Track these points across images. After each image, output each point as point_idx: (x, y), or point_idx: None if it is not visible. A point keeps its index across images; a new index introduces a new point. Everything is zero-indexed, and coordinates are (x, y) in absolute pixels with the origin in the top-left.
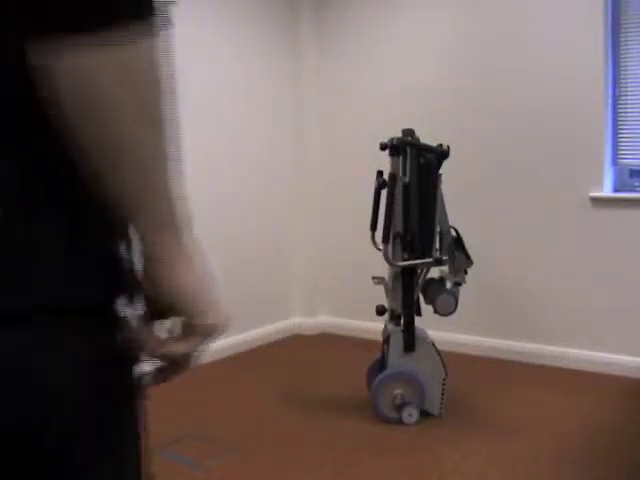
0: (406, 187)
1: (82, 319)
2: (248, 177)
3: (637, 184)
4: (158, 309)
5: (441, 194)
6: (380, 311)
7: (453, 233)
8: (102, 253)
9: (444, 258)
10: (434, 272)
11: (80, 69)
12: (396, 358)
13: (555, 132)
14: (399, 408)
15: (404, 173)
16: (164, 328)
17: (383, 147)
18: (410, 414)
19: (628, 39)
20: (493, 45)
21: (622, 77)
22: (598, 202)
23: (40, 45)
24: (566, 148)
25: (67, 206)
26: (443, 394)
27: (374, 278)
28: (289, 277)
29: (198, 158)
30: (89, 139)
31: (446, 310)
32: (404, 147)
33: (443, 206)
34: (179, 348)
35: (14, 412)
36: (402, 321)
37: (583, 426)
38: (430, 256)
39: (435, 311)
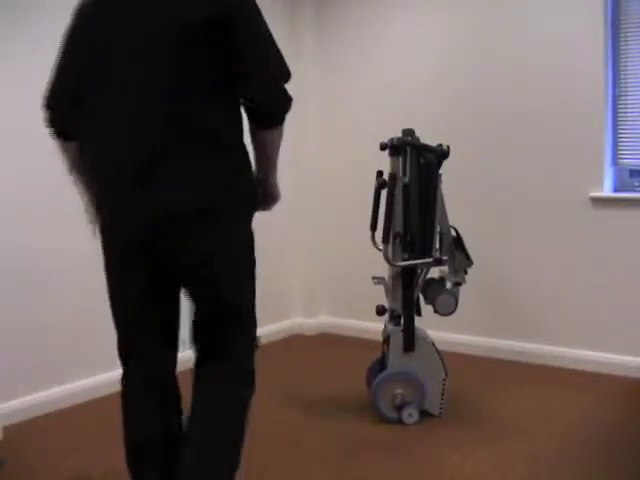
0: (406, 187)
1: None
2: None
3: (637, 184)
4: (270, 200)
5: (441, 194)
6: (380, 311)
7: (453, 233)
8: (254, 188)
9: (444, 258)
10: (434, 272)
11: (271, 134)
12: (396, 358)
13: (555, 132)
14: (399, 408)
15: (404, 173)
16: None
17: (383, 147)
18: (410, 414)
19: (628, 39)
20: (493, 45)
21: (622, 77)
22: (598, 202)
23: (261, 128)
24: (566, 148)
25: (244, 170)
26: (443, 394)
27: (374, 278)
28: (289, 277)
29: None
30: (269, 152)
31: (446, 310)
32: (404, 147)
33: (443, 206)
34: (272, 205)
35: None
36: (402, 321)
37: (583, 426)
38: (430, 256)
39: (435, 311)
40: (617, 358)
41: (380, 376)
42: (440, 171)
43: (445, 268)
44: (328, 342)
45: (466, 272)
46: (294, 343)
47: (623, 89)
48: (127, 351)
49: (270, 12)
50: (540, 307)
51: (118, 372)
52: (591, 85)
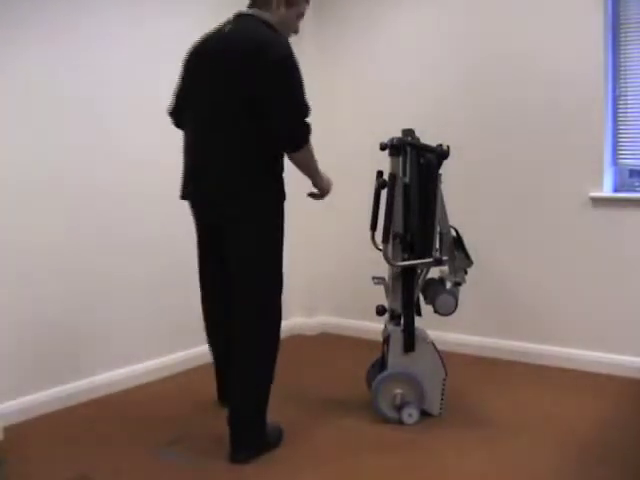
0: (406, 187)
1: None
2: None
3: (637, 184)
4: (322, 192)
5: (441, 194)
6: (380, 311)
7: (453, 233)
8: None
9: (444, 258)
10: (434, 272)
11: (299, 156)
12: (396, 358)
13: (555, 132)
14: (399, 408)
15: (404, 173)
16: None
17: (383, 147)
18: (410, 414)
19: (628, 39)
20: (493, 45)
21: (622, 77)
22: (598, 202)
23: (291, 152)
24: (566, 148)
25: (275, 175)
26: (443, 394)
27: (374, 278)
28: (289, 277)
29: None
30: (302, 169)
31: (446, 310)
32: (404, 147)
33: (443, 206)
34: (325, 195)
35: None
36: (402, 321)
37: (583, 426)
38: (430, 256)
39: (435, 311)
40: (617, 358)
41: (380, 376)
42: (440, 171)
43: (445, 268)
44: (328, 342)
45: (466, 272)
46: (294, 343)
47: (623, 89)
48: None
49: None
50: (540, 307)
51: (118, 372)
52: (591, 85)
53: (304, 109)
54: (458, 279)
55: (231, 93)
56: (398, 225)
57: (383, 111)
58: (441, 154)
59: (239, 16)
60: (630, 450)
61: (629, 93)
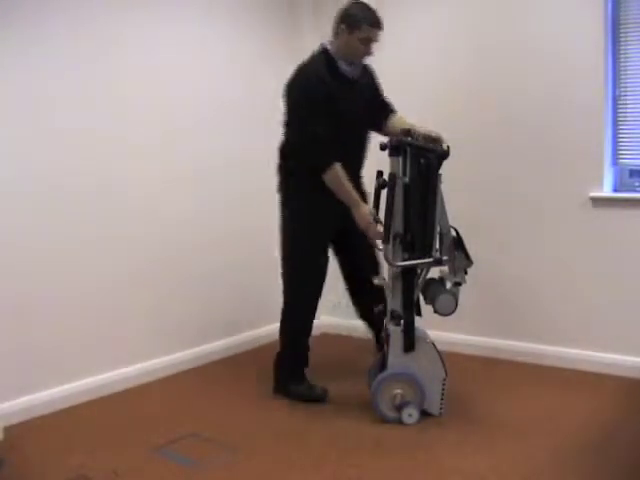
0: (406, 187)
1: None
2: (248, 177)
3: (637, 184)
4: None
5: (441, 194)
6: (380, 312)
7: (453, 233)
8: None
9: (444, 258)
10: (434, 272)
11: (327, 177)
12: (396, 358)
13: (555, 132)
14: (399, 408)
15: (404, 173)
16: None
17: (383, 147)
18: (410, 414)
19: (628, 39)
20: (492, 45)
21: (622, 77)
22: (598, 202)
23: (320, 173)
24: (566, 148)
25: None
26: (443, 394)
27: (374, 278)
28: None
29: (197, 158)
30: (334, 191)
31: (446, 310)
32: (403, 147)
33: (443, 206)
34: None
35: None
36: (402, 321)
37: (583, 426)
38: (430, 256)
39: (435, 311)
40: (617, 358)
41: (380, 376)
42: (440, 171)
43: (445, 268)
44: (328, 342)
45: (466, 272)
46: None
47: (623, 89)
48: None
49: (270, 12)
50: (540, 307)
51: (118, 372)
52: (591, 85)
53: (305, 137)
54: (458, 279)
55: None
56: (398, 225)
57: None
58: (441, 154)
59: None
60: (630, 450)
61: (629, 93)
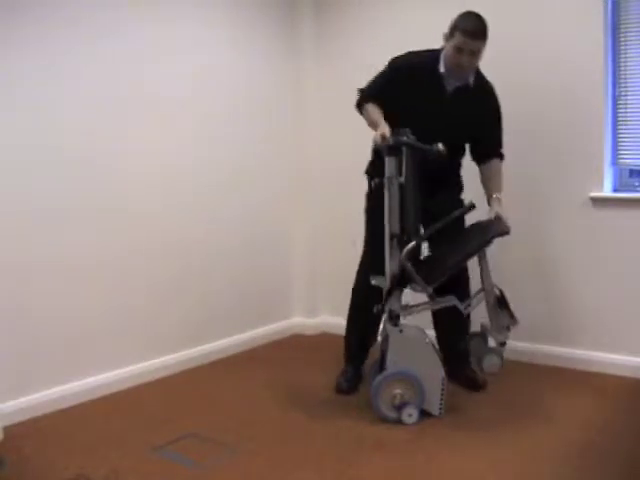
0: (402, 187)
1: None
2: (248, 177)
3: (637, 184)
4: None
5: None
6: (378, 311)
7: (497, 292)
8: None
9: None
10: (475, 324)
11: (494, 162)
12: (394, 358)
13: (555, 132)
14: (399, 408)
15: (400, 173)
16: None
17: (376, 151)
18: (410, 414)
19: (628, 39)
20: (493, 45)
21: (622, 77)
22: (598, 202)
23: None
24: (566, 148)
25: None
26: (442, 394)
27: (372, 279)
28: (289, 277)
29: (197, 158)
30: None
31: (492, 369)
32: (400, 147)
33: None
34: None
35: None
36: (400, 321)
37: (583, 426)
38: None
39: (481, 370)
40: (617, 358)
41: (379, 376)
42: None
43: (486, 321)
44: (328, 342)
45: (509, 329)
46: (294, 343)
47: (623, 89)
48: None
49: (270, 12)
50: (539, 307)
51: (118, 372)
52: (591, 85)
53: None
54: (502, 338)
55: None
56: (395, 226)
57: None
58: (437, 154)
59: None
60: (630, 450)
61: (629, 93)
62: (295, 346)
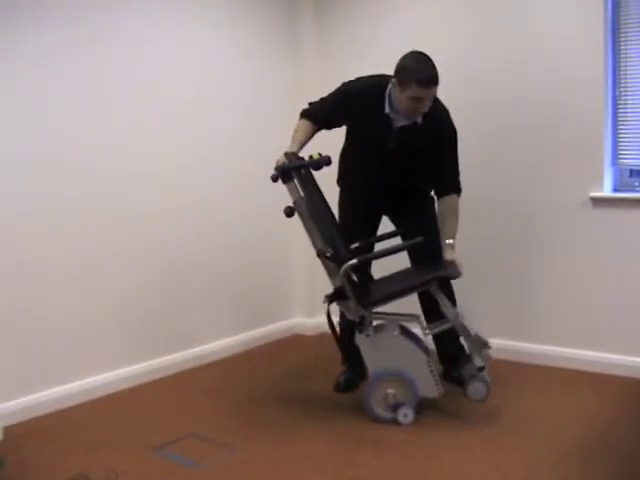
0: (309, 205)
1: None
2: (248, 177)
3: (637, 184)
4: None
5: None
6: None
7: (460, 321)
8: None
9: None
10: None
11: (450, 198)
12: (373, 361)
13: (555, 132)
14: (394, 408)
15: (303, 194)
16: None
17: (274, 178)
18: (405, 414)
19: (628, 39)
20: (493, 45)
21: (622, 77)
22: (598, 202)
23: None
24: (566, 148)
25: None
26: (434, 374)
27: (326, 296)
28: (289, 277)
29: (197, 158)
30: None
31: (478, 397)
32: (289, 172)
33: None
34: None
35: None
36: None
37: (584, 426)
38: (346, 256)
39: (465, 395)
40: (617, 358)
41: (368, 383)
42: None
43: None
44: (328, 342)
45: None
46: (294, 343)
47: (623, 89)
48: None
49: (270, 12)
50: (539, 306)
51: (118, 372)
52: (591, 85)
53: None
54: (480, 364)
55: None
56: (318, 243)
57: None
58: (314, 164)
59: None
60: (631, 450)
61: (629, 93)
62: (295, 346)
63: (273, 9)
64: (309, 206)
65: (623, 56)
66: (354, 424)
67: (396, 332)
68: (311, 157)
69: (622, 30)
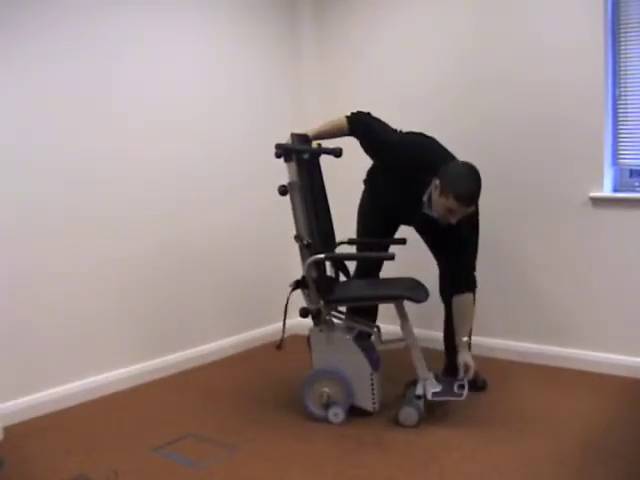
0: (302, 190)
1: None
2: (248, 177)
3: (637, 184)
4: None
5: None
6: (303, 314)
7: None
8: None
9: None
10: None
11: (465, 297)
12: (319, 357)
13: (555, 132)
14: (326, 407)
15: (300, 177)
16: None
17: (278, 155)
18: (336, 414)
19: (628, 39)
20: (492, 46)
21: (622, 77)
22: (598, 202)
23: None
24: (566, 148)
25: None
26: (373, 389)
27: (290, 285)
28: (289, 277)
29: (197, 158)
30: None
31: (408, 422)
32: (289, 153)
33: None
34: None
35: None
36: (320, 320)
37: (584, 426)
38: (329, 251)
39: (396, 422)
40: (617, 358)
41: (306, 376)
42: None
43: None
44: None
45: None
46: (294, 343)
47: (623, 89)
48: None
49: (270, 12)
50: (539, 307)
51: (118, 372)
52: (591, 85)
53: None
54: (419, 392)
55: None
56: (298, 228)
57: (382, 111)
58: (314, 153)
59: None
60: (631, 450)
61: (629, 93)
62: (295, 346)
63: (273, 9)
64: (302, 192)
65: (623, 56)
66: (354, 424)
67: (349, 336)
68: (319, 145)
69: (622, 30)
